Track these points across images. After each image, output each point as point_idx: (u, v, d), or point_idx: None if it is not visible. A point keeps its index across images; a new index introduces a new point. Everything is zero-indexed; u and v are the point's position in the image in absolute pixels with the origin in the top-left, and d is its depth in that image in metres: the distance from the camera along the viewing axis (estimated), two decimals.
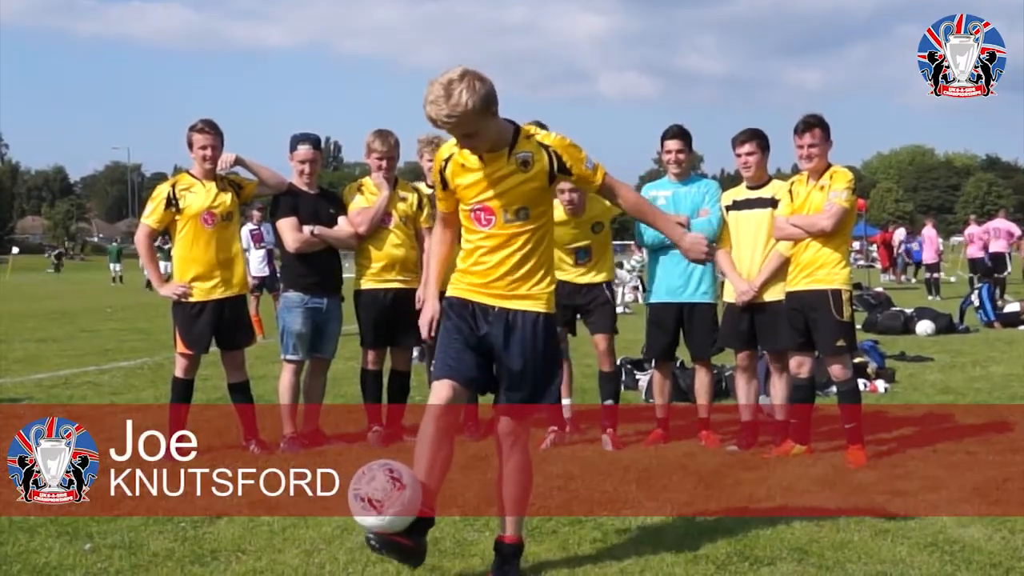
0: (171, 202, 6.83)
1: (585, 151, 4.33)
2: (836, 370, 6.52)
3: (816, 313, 6.49)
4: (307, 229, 7.06)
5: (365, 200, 7.25)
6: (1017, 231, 24.59)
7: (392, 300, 7.21)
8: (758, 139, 7.02)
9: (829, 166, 6.56)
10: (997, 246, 23.15)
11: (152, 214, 6.88)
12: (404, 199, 7.31)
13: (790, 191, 6.68)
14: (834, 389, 9.04)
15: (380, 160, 7.23)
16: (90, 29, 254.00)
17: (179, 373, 6.99)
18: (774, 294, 6.86)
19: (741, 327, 7.01)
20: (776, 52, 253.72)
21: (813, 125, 6.52)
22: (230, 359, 7.06)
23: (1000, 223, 23.83)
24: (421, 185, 7.58)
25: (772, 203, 6.85)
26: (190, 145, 6.90)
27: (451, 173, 4.35)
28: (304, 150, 7.17)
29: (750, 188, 7.04)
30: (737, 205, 7.04)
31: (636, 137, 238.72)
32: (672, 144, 7.18)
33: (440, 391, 4.32)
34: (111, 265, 46.19)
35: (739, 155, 7.04)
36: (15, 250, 60.18)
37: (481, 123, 4.08)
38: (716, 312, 7.25)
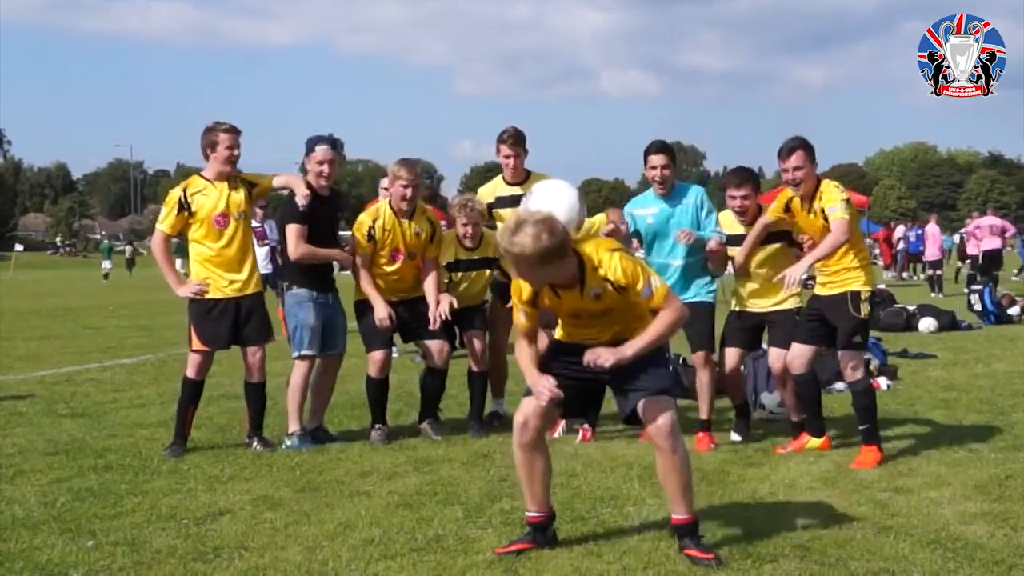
0: (183, 206, 6.83)
1: (646, 274, 4.52)
2: (848, 366, 6.49)
3: (836, 311, 6.47)
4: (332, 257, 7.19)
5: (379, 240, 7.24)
6: (1011, 227, 24.64)
7: (397, 307, 7.24)
8: (753, 182, 7.04)
9: (818, 183, 6.50)
10: (993, 243, 23.06)
11: (165, 219, 6.89)
12: (418, 234, 7.31)
13: (788, 203, 6.65)
14: (837, 386, 9.10)
15: (406, 188, 7.21)
16: (93, 26, 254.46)
17: (191, 373, 6.96)
18: (784, 304, 6.95)
19: (744, 330, 7.07)
20: (779, 49, 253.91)
21: (795, 148, 6.44)
22: (251, 357, 6.99)
23: (993, 220, 23.79)
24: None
25: (774, 238, 6.89)
26: (213, 145, 6.86)
27: (540, 297, 4.62)
28: (323, 150, 7.15)
29: (747, 225, 7.03)
30: (733, 241, 7.03)
31: (639, 135, 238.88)
32: (657, 159, 7.03)
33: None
34: (103, 263, 46.26)
35: (733, 197, 7.01)
36: (18, 247, 60.17)
37: (535, 271, 4.37)
38: (714, 310, 7.23)
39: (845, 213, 6.33)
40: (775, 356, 7.02)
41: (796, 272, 6.36)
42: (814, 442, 6.71)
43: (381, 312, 7.13)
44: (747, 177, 7.05)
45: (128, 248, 59.19)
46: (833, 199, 6.36)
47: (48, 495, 5.75)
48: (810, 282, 6.91)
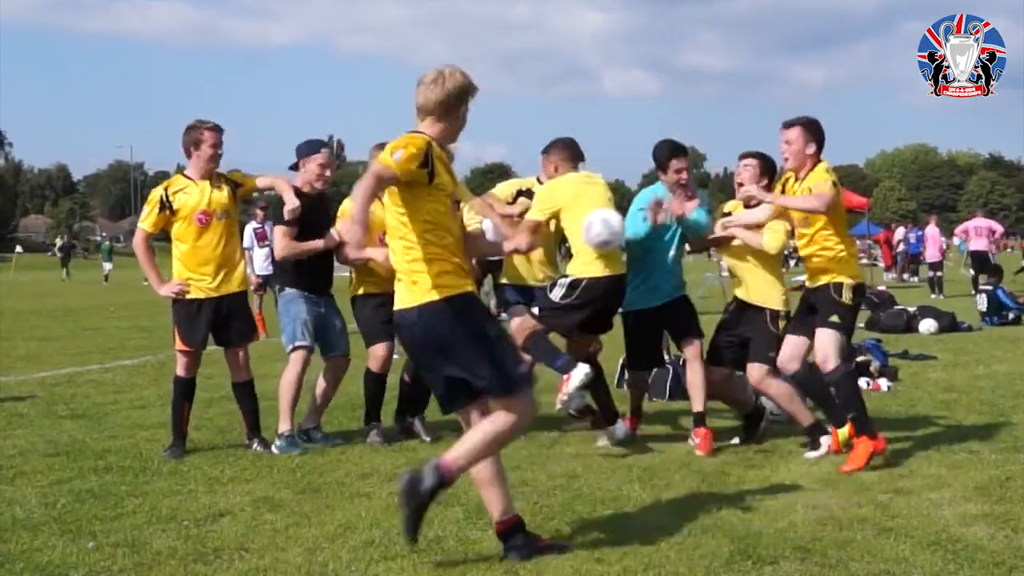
0: (164, 205, 6.84)
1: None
2: (822, 352, 6.37)
3: (819, 297, 6.49)
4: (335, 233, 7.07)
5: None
6: (999, 228, 24.83)
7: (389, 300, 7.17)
8: (762, 160, 7.02)
9: (818, 164, 6.48)
10: (979, 244, 23.21)
11: (147, 218, 6.91)
12: None
13: (783, 186, 6.67)
14: None
15: None
16: (93, 26, 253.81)
17: (180, 372, 7.00)
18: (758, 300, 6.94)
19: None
20: (779, 49, 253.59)
21: (794, 124, 6.49)
22: (232, 356, 7.06)
23: (981, 221, 23.92)
24: None
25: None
26: (196, 143, 6.88)
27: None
28: (327, 153, 7.26)
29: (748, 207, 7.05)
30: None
31: (639, 135, 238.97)
32: (679, 163, 7.03)
33: None
34: (103, 264, 46.35)
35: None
36: (19, 248, 60.17)
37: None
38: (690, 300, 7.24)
39: (831, 189, 6.34)
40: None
41: (757, 197, 6.64)
42: (842, 432, 6.57)
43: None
44: (756, 155, 7.06)
45: (59, 240, 53.84)
46: (820, 177, 6.38)
47: (48, 496, 5.75)
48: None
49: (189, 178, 6.93)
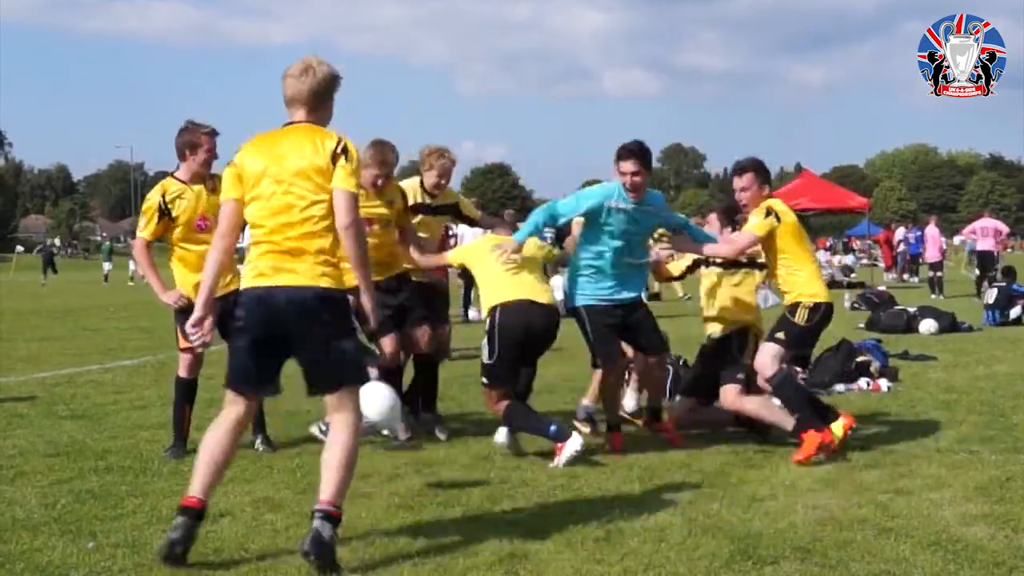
0: (163, 212, 6.80)
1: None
2: (760, 362, 6.68)
3: (780, 315, 6.77)
4: None
5: None
6: (1005, 229, 24.90)
7: (385, 289, 7.04)
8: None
9: (766, 200, 6.79)
10: (986, 244, 23.30)
11: (146, 227, 6.87)
12: (391, 203, 7.20)
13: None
14: (838, 387, 9.13)
15: (376, 176, 7.19)
16: (93, 26, 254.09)
17: (182, 372, 6.99)
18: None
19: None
20: (779, 49, 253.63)
21: (746, 169, 6.79)
22: None
23: (987, 222, 23.99)
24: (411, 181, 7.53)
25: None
26: (193, 147, 6.86)
27: None
28: None
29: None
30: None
31: (639, 135, 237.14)
32: (626, 166, 6.56)
33: None
34: (103, 264, 46.36)
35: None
36: (19, 248, 60.22)
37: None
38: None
39: (758, 229, 6.62)
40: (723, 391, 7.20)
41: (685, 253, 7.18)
42: (836, 426, 6.52)
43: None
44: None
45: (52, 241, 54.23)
46: (758, 212, 6.69)
47: (49, 497, 5.75)
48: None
49: (183, 182, 6.90)
